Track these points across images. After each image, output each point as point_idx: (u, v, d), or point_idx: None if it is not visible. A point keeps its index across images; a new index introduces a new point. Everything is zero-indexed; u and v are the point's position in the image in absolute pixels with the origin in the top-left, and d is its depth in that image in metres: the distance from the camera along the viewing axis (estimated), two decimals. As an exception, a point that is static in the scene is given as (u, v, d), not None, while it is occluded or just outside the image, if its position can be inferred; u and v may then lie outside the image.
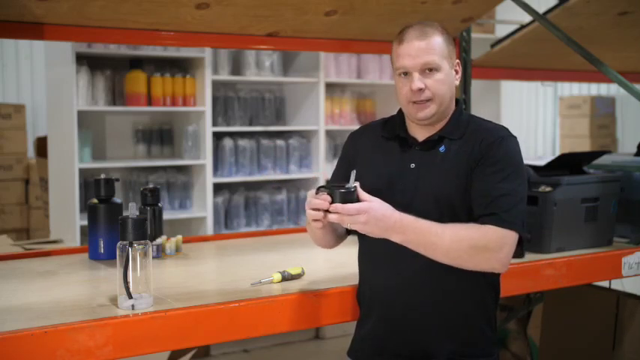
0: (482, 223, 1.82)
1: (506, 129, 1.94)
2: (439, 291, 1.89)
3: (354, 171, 1.83)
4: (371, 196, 1.78)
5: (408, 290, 1.91)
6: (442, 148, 1.91)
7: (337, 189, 1.78)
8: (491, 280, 1.95)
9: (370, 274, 2.00)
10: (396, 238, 1.80)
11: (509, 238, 1.82)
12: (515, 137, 1.92)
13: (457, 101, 2.00)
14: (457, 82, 1.95)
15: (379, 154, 1.98)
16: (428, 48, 1.87)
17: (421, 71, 1.87)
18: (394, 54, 1.92)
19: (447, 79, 1.90)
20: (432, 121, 1.92)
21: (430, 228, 1.79)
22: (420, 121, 1.92)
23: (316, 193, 1.81)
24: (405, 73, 1.89)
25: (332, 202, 1.77)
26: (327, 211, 1.77)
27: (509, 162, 1.87)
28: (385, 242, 1.90)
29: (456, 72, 1.94)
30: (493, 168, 1.85)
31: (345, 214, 1.75)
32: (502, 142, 1.88)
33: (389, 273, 1.93)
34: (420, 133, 1.95)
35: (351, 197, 1.77)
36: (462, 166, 1.87)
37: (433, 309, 1.90)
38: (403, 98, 1.91)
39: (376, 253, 1.96)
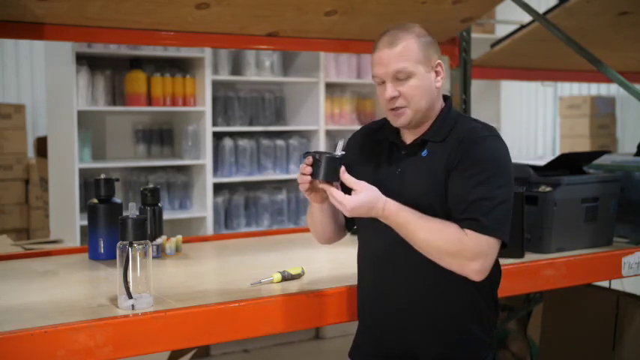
0: (461, 227, 1.78)
1: (492, 128, 1.87)
2: (426, 291, 1.87)
3: (342, 140, 1.89)
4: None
5: (396, 291, 1.90)
6: (424, 152, 1.88)
7: (324, 154, 1.83)
8: (482, 281, 1.87)
9: (363, 275, 2.00)
10: (382, 220, 1.82)
11: (486, 245, 1.76)
12: (499, 137, 1.85)
13: (447, 98, 1.95)
14: (439, 84, 1.89)
15: (370, 159, 1.97)
16: (398, 55, 1.82)
17: (393, 79, 1.84)
18: (371, 62, 1.90)
19: (422, 84, 1.84)
20: (411, 126, 1.89)
21: (408, 224, 1.79)
22: (400, 127, 1.91)
23: (303, 157, 1.86)
24: (382, 82, 1.87)
25: (317, 166, 1.82)
26: (312, 175, 1.83)
27: (489, 163, 1.80)
28: (377, 243, 1.91)
29: (437, 73, 1.88)
30: (471, 170, 1.79)
31: (345, 182, 1.81)
32: (482, 142, 1.82)
33: (379, 274, 1.93)
34: (408, 137, 1.93)
35: (335, 163, 1.82)
36: (441, 170, 1.83)
37: (420, 310, 1.88)
38: (383, 106, 1.90)
39: (368, 253, 1.96)
